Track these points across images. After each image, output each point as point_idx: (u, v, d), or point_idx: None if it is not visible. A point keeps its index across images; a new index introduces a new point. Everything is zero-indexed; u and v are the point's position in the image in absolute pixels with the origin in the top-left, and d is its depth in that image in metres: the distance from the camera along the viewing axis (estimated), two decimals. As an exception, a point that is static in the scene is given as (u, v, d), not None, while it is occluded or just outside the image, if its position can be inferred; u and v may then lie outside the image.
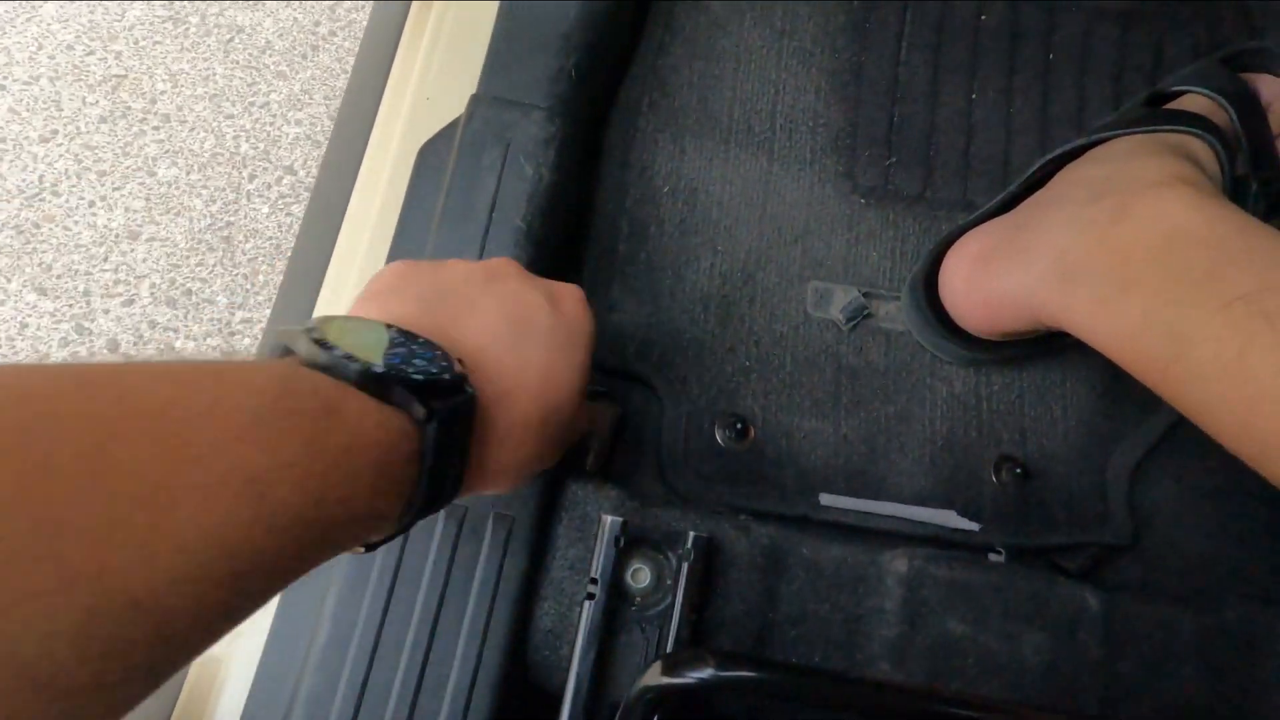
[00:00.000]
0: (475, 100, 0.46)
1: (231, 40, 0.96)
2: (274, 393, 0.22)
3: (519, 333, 0.32)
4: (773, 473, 0.50)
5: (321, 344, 0.25)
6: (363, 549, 0.27)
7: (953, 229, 0.51)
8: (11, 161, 0.94)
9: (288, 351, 0.26)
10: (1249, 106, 0.49)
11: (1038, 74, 0.57)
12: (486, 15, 0.49)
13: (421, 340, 0.27)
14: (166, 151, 0.92)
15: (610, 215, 0.53)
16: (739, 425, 0.50)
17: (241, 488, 0.19)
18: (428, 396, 0.25)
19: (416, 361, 0.26)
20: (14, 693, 0.15)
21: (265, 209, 0.92)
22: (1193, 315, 0.35)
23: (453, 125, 0.47)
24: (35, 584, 0.15)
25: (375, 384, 0.24)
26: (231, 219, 0.92)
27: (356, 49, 0.99)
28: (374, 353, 0.25)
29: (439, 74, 0.49)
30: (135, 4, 0.97)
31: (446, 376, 0.26)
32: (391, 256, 0.45)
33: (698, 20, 0.57)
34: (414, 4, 0.52)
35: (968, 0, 0.58)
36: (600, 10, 0.49)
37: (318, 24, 0.98)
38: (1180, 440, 0.51)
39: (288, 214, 0.92)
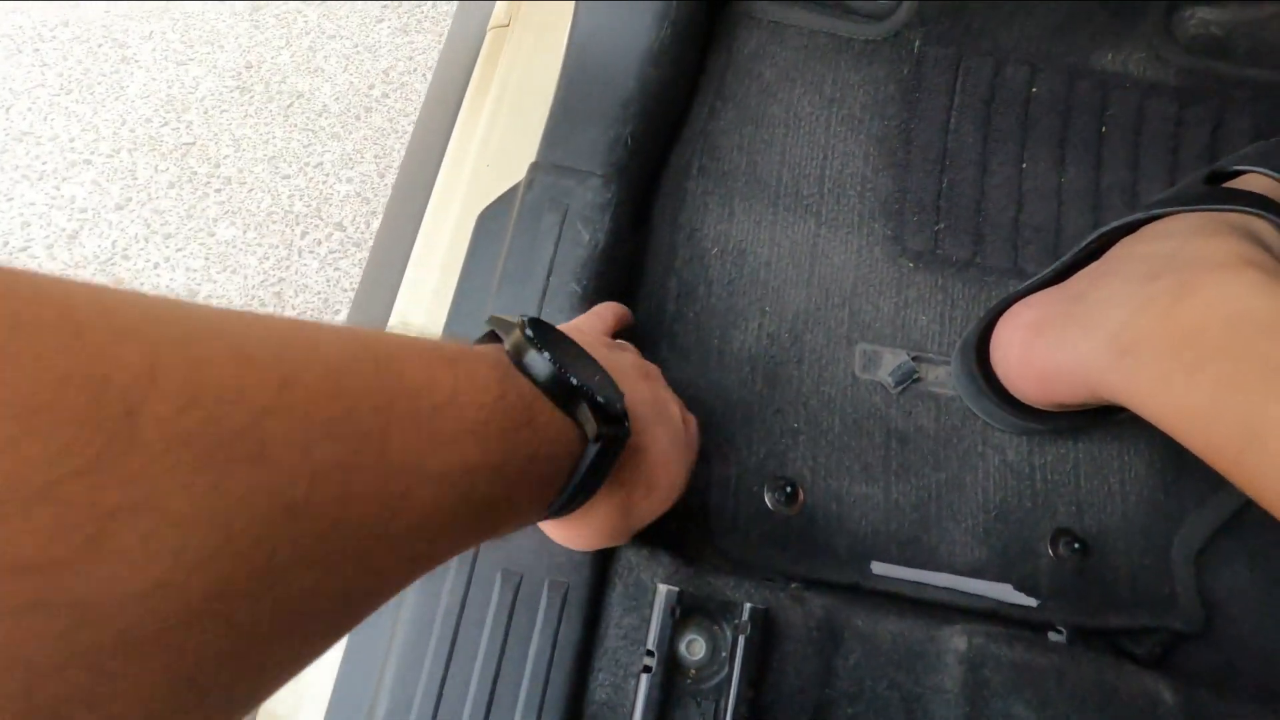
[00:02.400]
0: (535, 168, 0.47)
1: (291, 105, 1.01)
2: (495, 393, 0.24)
3: (658, 418, 0.35)
4: (823, 538, 0.49)
5: (531, 341, 0.27)
6: None
7: (1005, 296, 0.51)
8: (90, 229, 0.99)
9: (492, 336, 0.29)
10: None
11: (1090, 145, 0.57)
12: (546, 84, 0.51)
13: (604, 370, 0.30)
14: (226, 212, 0.96)
15: (659, 276, 0.53)
16: (788, 488, 0.49)
17: (459, 478, 0.21)
18: (600, 419, 0.27)
19: (597, 380, 0.29)
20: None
21: (315, 264, 0.95)
22: (1266, 406, 0.34)
23: (512, 191, 0.48)
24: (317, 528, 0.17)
25: (566, 395, 0.27)
26: (283, 275, 0.95)
27: (409, 110, 1.03)
28: (570, 356, 0.28)
29: (499, 141, 0.50)
30: (208, 77, 1.02)
31: (618, 406, 0.29)
32: (451, 318, 0.46)
33: (749, 87, 0.58)
34: (476, 71, 0.54)
35: (1019, 70, 0.58)
36: (658, 79, 0.51)
37: (372, 87, 1.02)
38: (1253, 522, 0.49)
39: (336, 269, 0.95)
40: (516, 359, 0.27)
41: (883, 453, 0.51)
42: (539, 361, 0.27)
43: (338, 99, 1.01)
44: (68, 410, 0.13)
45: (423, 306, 0.47)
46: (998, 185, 0.57)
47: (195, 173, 0.98)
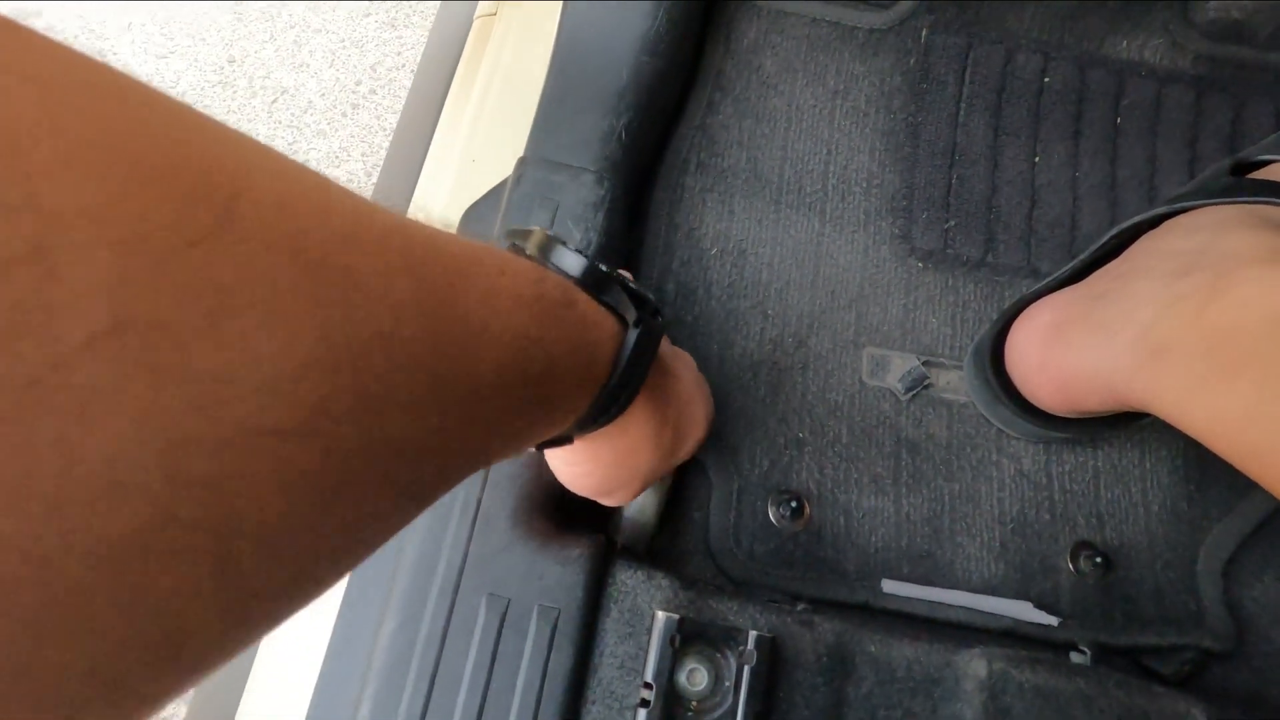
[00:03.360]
0: (523, 163, 0.44)
1: (275, 101, 0.97)
2: (536, 279, 0.24)
3: (677, 356, 0.38)
4: (831, 556, 0.46)
5: (555, 239, 0.28)
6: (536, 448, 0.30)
7: (1020, 296, 0.48)
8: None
9: (514, 248, 0.29)
10: None
11: (1106, 137, 0.55)
12: (535, 74, 0.48)
13: (631, 278, 0.31)
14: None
15: (656, 276, 0.51)
16: (794, 503, 0.47)
17: (518, 346, 0.22)
18: (637, 306, 0.29)
19: (628, 280, 0.30)
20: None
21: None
22: None
23: (498, 188, 0.45)
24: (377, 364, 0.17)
25: (597, 281, 0.28)
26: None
27: (396, 106, 1.00)
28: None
29: (486, 135, 0.47)
30: (189, 71, 0.99)
31: (651, 296, 0.30)
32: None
33: (749, 79, 0.55)
34: (462, 62, 0.51)
35: (1031, 59, 0.56)
36: (653, 69, 0.48)
37: (359, 83, 0.99)
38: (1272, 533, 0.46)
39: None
40: (544, 257, 0.28)
41: (892, 463, 0.48)
42: (568, 255, 0.28)
43: (323, 95, 0.97)
44: (181, 185, 0.13)
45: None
46: (1010, 180, 0.54)
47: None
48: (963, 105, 0.55)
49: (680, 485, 0.47)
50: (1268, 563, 0.46)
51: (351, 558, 0.19)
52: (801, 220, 0.52)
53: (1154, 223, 0.45)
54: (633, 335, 0.28)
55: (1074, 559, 0.46)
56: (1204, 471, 0.48)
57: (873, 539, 0.47)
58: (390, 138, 0.99)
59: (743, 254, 0.51)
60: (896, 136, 0.55)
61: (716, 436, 0.48)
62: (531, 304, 0.23)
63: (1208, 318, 0.37)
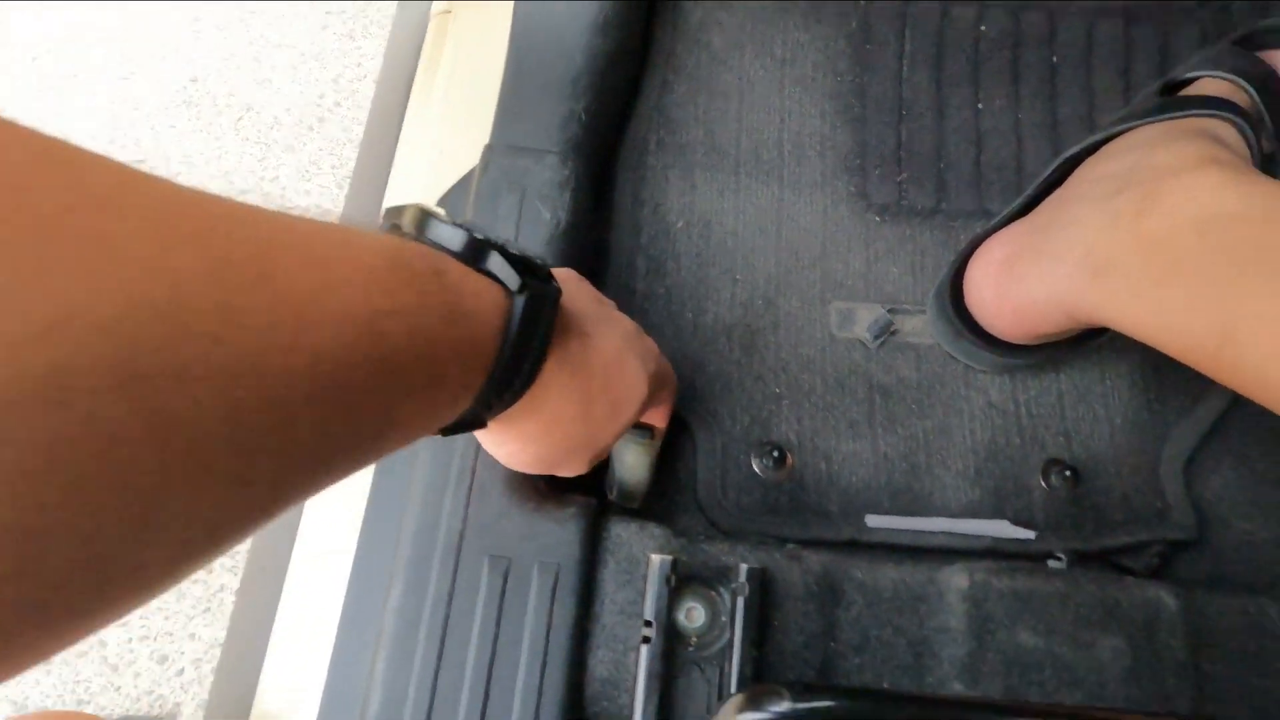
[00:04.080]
0: (489, 150, 0.46)
1: (241, 119, 0.99)
2: (393, 249, 0.23)
3: (605, 319, 0.35)
4: (815, 499, 0.49)
5: (428, 213, 0.27)
6: (440, 432, 0.28)
7: (973, 236, 0.51)
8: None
9: (394, 229, 0.28)
10: (1269, 84, 0.49)
11: (1043, 78, 0.57)
12: (494, 65, 0.50)
13: (514, 245, 0.29)
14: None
15: (627, 254, 0.53)
16: (776, 453, 0.49)
17: (365, 321, 0.21)
18: (521, 273, 0.27)
19: (509, 247, 0.28)
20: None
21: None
22: (1244, 295, 0.34)
23: (466, 177, 0.47)
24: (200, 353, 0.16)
25: (474, 251, 0.26)
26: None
27: (361, 118, 1.01)
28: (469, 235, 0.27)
29: (452, 127, 0.49)
30: (151, 96, 1.00)
31: (539, 262, 0.29)
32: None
33: (699, 57, 0.57)
34: (422, 60, 0.53)
35: (966, 10, 0.58)
36: (606, 52, 0.50)
37: (322, 96, 1.01)
38: (1235, 427, 0.49)
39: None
40: (418, 233, 0.27)
41: (867, 408, 0.51)
42: (443, 227, 0.26)
43: (289, 110, 0.99)
44: None
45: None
46: (956, 129, 0.56)
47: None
48: (905, 62, 0.58)
49: (666, 445, 0.49)
50: (1223, 457, 0.49)
51: (185, 551, 0.18)
52: (761, 188, 0.55)
53: (1092, 150, 0.48)
54: (519, 302, 0.27)
55: (1045, 476, 0.49)
56: (1161, 382, 0.50)
57: (853, 480, 0.49)
58: (358, 149, 1.00)
59: (708, 225, 0.54)
60: (845, 98, 0.57)
61: (697, 398, 0.50)
62: (384, 275, 0.22)
63: (1142, 230, 0.39)
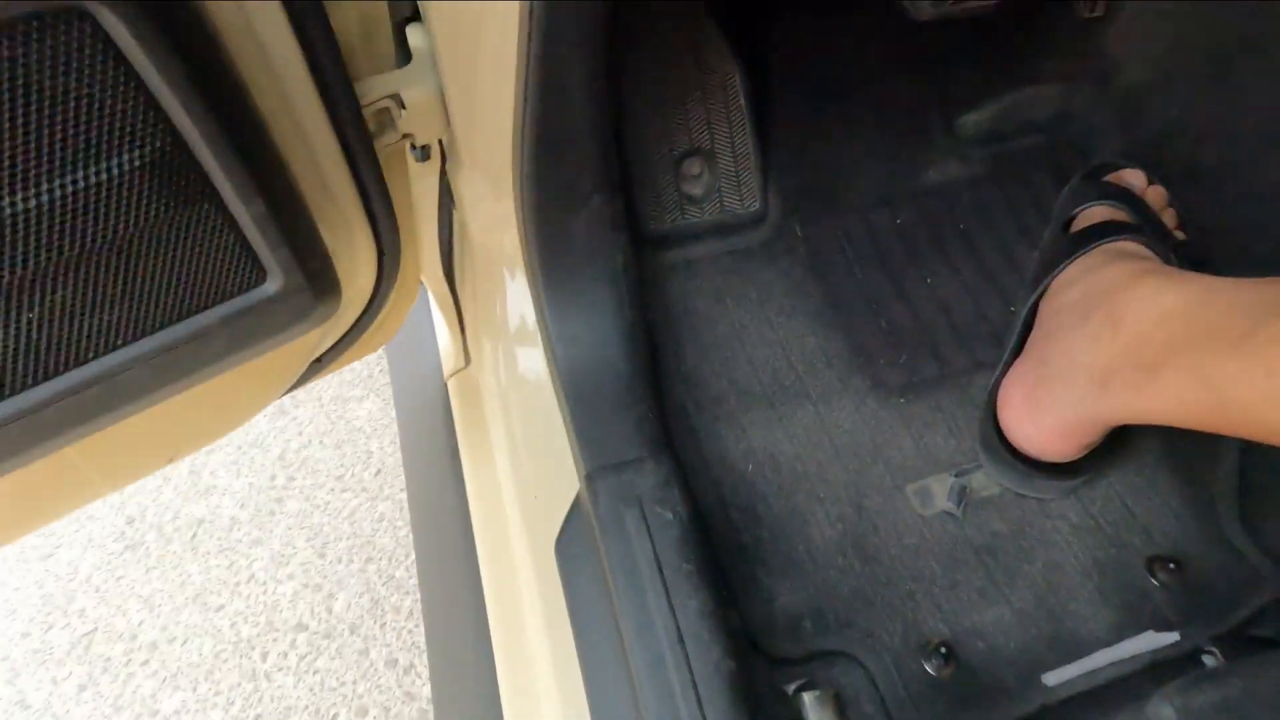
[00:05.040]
0: (589, 477, 0.48)
1: (195, 535, 0.93)
2: None
3: None
4: (989, 679, 0.49)
5: None
6: None
7: (989, 387, 0.57)
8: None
9: None
10: (1135, 200, 0.62)
11: (965, 243, 0.68)
12: (543, 401, 0.52)
13: None
14: (163, 681, 0.84)
15: (719, 513, 0.54)
16: (943, 649, 0.50)
17: None
18: None
19: None
20: None
21: (290, 680, 0.85)
22: (1215, 365, 0.41)
23: (573, 509, 0.48)
24: None
25: None
26: (259, 711, 0.84)
27: (321, 481, 0.99)
28: None
29: (533, 472, 0.50)
30: (86, 555, 0.93)
31: None
32: (584, 656, 0.43)
33: (694, 321, 0.63)
34: (458, 421, 0.55)
35: (880, 213, 0.69)
36: (633, 346, 0.54)
37: (274, 478, 0.98)
38: (1257, 483, 0.55)
39: (314, 673, 0.85)
40: None
41: (984, 572, 0.53)
42: None
43: (243, 505, 0.95)
44: None
45: (544, 656, 0.44)
46: (922, 303, 0.65)
47: (109, 658, 0.86)
48: (855, 267, 0.67)
49: (841, 681, 0.48)
50: (1264, 503, 0.54)
51: None
52: (798, 410, 0.59)
53: (1045, 290, 0.58)
54: None
55: (1152, 574, 0.53)
56: (1188, 453, 0.57)
57: (1011, 646, 0.51)
58: (328, 515, 0.97)
59: (773, 459, 0.57)
60: (824, 313, 0.64)
61: (847, 624, 0.50)
62: None
63: (1121, 340, 0.48)
